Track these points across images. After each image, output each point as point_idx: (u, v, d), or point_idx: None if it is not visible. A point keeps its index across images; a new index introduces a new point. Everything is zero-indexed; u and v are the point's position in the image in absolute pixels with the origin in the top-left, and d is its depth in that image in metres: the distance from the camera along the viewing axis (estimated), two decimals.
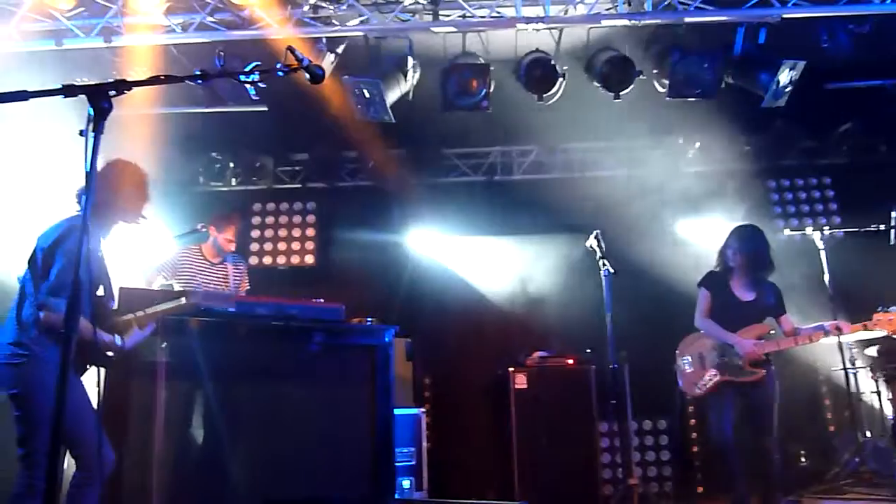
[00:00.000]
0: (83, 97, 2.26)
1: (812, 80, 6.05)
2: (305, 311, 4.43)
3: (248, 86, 5.82)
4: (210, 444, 4.13)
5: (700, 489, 6.93)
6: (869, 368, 6.27)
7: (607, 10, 5.45)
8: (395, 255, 8.09)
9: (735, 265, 5.09)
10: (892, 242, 6.02)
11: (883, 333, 5.13)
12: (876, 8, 5.39)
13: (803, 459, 6.74)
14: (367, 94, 5.96)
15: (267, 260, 8.35)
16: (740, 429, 4.84)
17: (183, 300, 3.65)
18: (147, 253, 5.65)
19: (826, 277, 5.99)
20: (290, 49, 2.72)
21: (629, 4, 5.45)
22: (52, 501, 2.07)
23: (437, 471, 6.29)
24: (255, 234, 8.42)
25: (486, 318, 7.75)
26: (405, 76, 6.11)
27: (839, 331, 4.94)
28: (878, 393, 6.22)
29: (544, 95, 6.15)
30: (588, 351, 6.51)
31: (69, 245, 3.29)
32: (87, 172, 2.24)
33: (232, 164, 8.20)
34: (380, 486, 4.37)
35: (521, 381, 6.32)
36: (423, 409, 6.10)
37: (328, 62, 5.80)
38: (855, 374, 6.02)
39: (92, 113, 2.25)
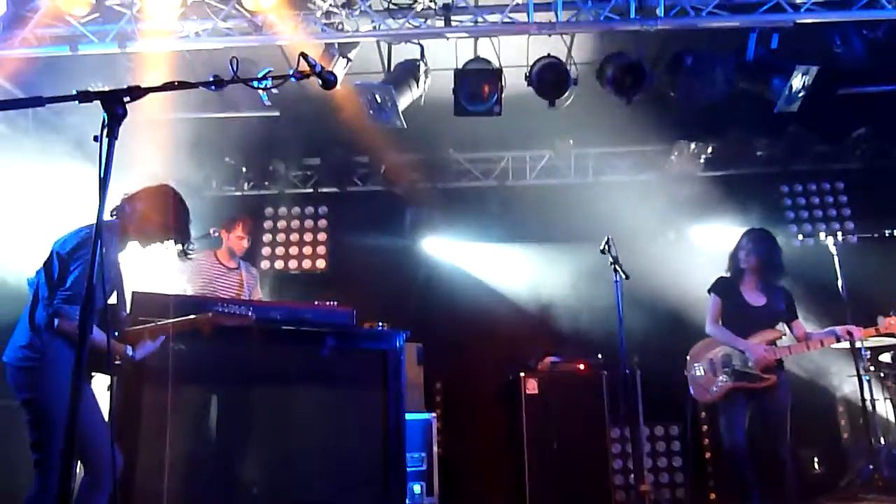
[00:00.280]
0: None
1: (825, 85, 6.02)
2: (317, 315, 4.45)
3: (260, 91, 5.85)
4: (221, 448, 4.15)
5: (713, 496, 6.90)
6: (882, 374, 6.22)
7: (619, 15, 5.43)
8: (407, 260, 8.11)
9: (748, 267, 5.05)
10: None
11: None
12: (890, 13, 5.35)
13: (816, 466, 6.69)
14: (379, 100, 5.97)
15: (279, 264, 8.39)
16: (752, 435, 4.81)
17: (196, 318, 3.65)
18: (159, 258, 5.67)
19: (840, 283, 5.95)
20: (303, 55, 2.73)
21: (641, 10, 5.43)
22: None
23: (448, 476, 6.29)
24: (267, 238, 8.47)
25: (497, 323, 7.73)
26: (417, 82, 6.12)
27: (851, 336, 4.89)
28: (892, 399, 6.16)
29: (556, 101, 6.14)
30: (599, 356, 6.49)
31: (88, 253, 3.30)
32: (100, 178, 2.25)
33: (244, 169, 8.25)
34: (391, 491, 4.37)
35: (532, 387, 6.31)
36: (434, 414, 6.11)
37: (340, 68, 5.82)
38: (868, 380, 5.96)
39: (106, 118, 2.27)
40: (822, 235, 6.29)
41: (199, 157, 7.82)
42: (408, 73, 6.11)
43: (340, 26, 5.69)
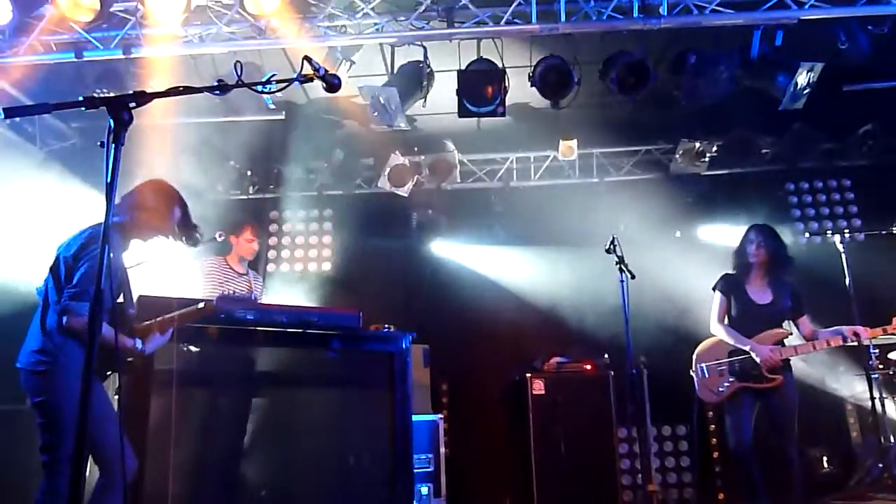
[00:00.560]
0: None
1: (830, 81, 6.00)
2: (323, 317, 4.46)
3: (265, 95, 5.87)
4: (227, 450, 4.15)
5: (721, 496, 6.88)
6: (892, 372, 6.19)
7: (622, 14, 5.42)
8: (412, 262, 8.11)
9: (756, 261, 5.00)
10: None
11: None
12: (895, 9, 5.33)
13: (825, 465, 6.66)
14: (382, 102, 5.99)
15: (284, 267, 8.40)
16: (760, 435, 4.78)
17: (202, 305, 3.67)
18: (165, 263, 5.69)
19: (847, 281, 5.92)
20: (307, 58, 2.74)
21: (644, 9, 5.43)
22: None
23: (455, 477, 6.29)
24: (273, 241, 8.48)
25: (503, 323, 7.72)
26: (420, 84, 6.13)
27: (857, 337, 4.82)
28: None
29: (560, 101, 6.14)
30: (606, 357, 6.48)
31: (93, 251, 3.33)
32: (107, 183, 2.26)
33: (249, 173, 8.26)
34: (398, 493, 4.38)
35: (538, 387, 6.30)
36: (440, 416, 6.11)
37: (344, 71, 5.84)
38: (877, 379, 5.94)
39: (112, 124, 2.28)
40: (828, 233, 6.24)
41: (204, 161, 7.83)
42: (411, 75, 6.12)
43: (343, 29, 5.70)
